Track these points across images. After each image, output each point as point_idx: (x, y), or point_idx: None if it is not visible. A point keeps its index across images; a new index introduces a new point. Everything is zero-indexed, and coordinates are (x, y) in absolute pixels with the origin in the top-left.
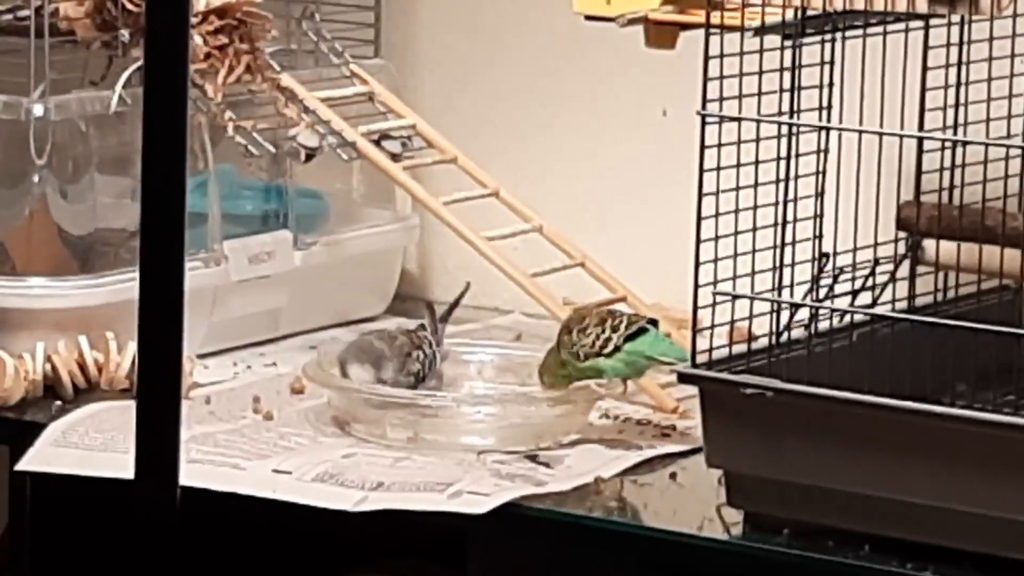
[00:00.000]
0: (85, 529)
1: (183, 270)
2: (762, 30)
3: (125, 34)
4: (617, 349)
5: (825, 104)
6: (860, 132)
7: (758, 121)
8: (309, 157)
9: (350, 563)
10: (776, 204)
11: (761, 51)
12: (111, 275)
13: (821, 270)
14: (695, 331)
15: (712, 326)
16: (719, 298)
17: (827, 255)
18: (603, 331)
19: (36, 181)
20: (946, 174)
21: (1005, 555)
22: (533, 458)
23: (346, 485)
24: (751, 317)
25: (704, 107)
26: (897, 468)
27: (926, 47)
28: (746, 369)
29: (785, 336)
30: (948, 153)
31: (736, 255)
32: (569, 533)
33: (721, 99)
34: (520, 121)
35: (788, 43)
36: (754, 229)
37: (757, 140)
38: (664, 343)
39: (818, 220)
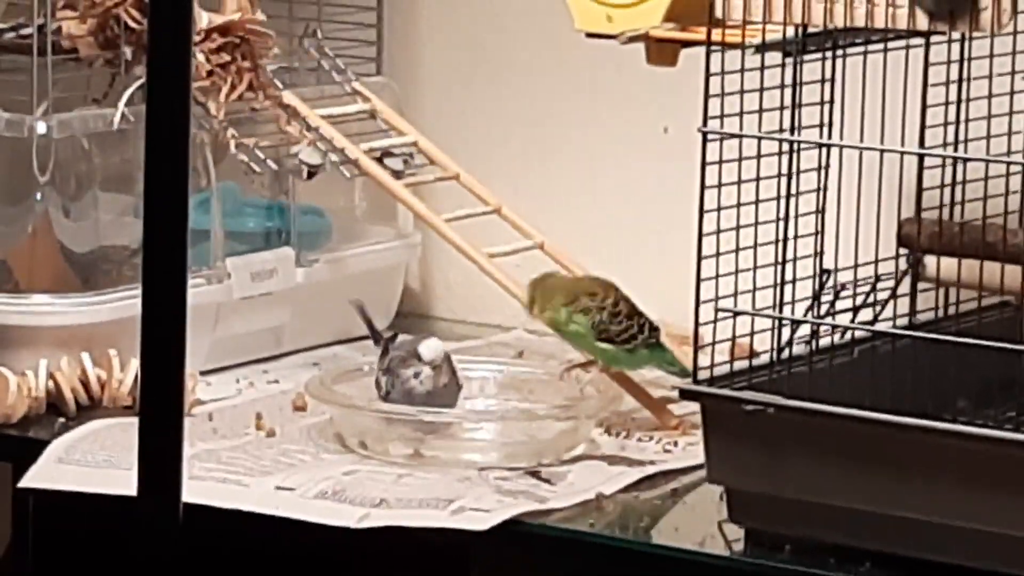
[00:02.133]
0: (88, 546)
1: (186, 287)
2: (763, 47)
3: (128, 52)
4: (633, 350)
5: (826, 121)
6: (861, 149)
7: (759, 138)
8: (311, 174)
9: None
10: (777, 221)
11: (762, 68)
12: (114, 292)
13: (822, 286)
14: (697, 347)
15: (713, 342)
16: (720, 314)
17: (828, 271)
18: (632, 327)
19: (39, 198)
20: (947, 191)
21: (1006, 572)
22: (535, 474)
23: (348, 502)
24: (752, 333)
25: (705, 124)
26: (899, 484)
27: (927, 64)
28: (748, 385)
29: (786, 352)
30: (949, 170)
31: (737, 272)
32: (571, 549)
33: (722, 116)
34: (522, 138)
35: (789, 60)
36: (755, 246)
37: (758, 157)
38: (668, 354)
39: (819, 237)
